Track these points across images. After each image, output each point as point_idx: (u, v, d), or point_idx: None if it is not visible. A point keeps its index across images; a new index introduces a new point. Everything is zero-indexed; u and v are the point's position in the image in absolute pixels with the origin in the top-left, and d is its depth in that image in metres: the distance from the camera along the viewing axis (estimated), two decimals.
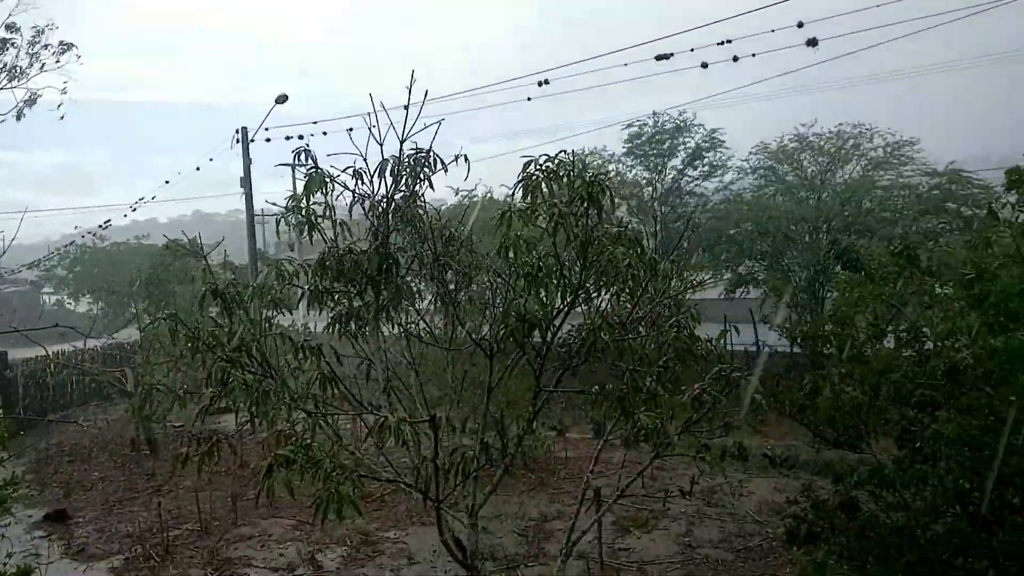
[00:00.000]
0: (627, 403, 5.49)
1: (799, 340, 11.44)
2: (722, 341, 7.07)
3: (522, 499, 14.16)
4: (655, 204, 26.64)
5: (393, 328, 7.19)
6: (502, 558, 11.46)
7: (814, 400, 9.59)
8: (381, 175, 6.26)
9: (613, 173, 27.18)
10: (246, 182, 29.16)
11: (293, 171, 38.16)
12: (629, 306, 6.09)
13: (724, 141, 26.46)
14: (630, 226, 5.68)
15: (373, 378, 6.88)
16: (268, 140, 27.82)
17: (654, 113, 26.58)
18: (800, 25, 10.96)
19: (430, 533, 12.35)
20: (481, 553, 6.93)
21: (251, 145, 29.25)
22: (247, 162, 28.91)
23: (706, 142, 26.26)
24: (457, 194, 25.78)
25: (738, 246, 24.14)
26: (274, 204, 7.47)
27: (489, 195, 26.77)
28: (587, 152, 26.92)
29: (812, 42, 11.24)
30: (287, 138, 28.14)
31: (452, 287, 6.56)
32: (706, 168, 26.74)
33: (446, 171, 5.86)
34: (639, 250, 5.37)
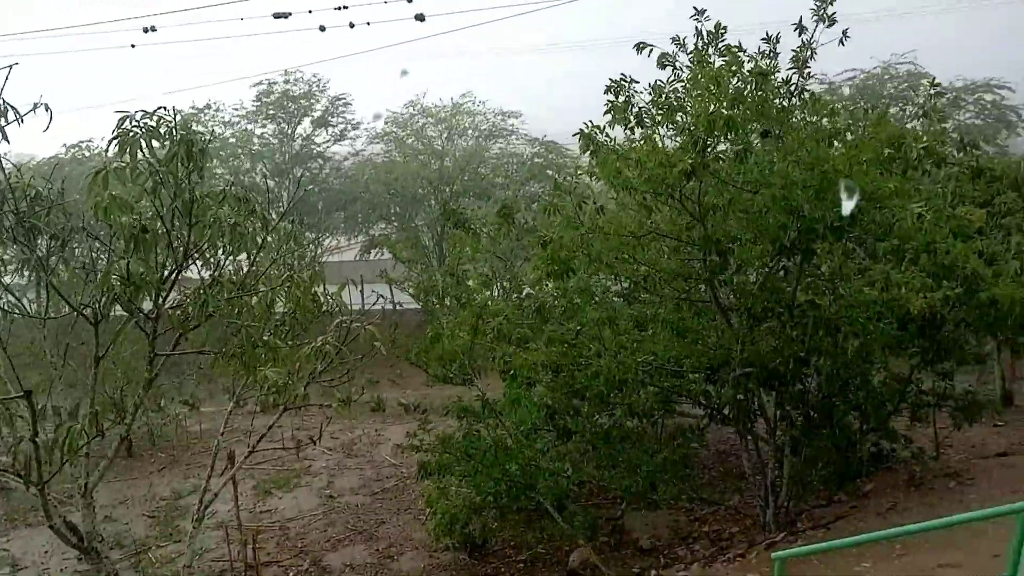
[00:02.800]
0: (247, 359, 5.62)
1: (420, 295, 12.55)
2: (341, 296, 7.53)
3: (151, 480, 13.31)
4: (287, 165, 26.20)
5: None
6: (130, 544, 10.75)
7: (434, 346, 10.67)
8: None
9: (236, 132, 26.06)
10: None
11: None
12: (246, 266, 6.17)
13: (352, 105, 26.92)
14: (234, 186, 5.72)
15: None
16: None
17: (285, 71, 25.93)
18: (410, 0, 11.73)
19: (38, 533, 11.04)
20: (100, 536, 6.51)
21: None
22: None
23: (334, 106, 26.45)
24: (69, 150, 22.62)
25: (371, 208, 25.09)
26: None
27: (101, 151, 23.82)
28: (210, 108, 25.39)
29: (420, 17, 12.09)
30: None
31: (44, 252, 5.94)
32: (336, 131, 26.97)
33: (20, 122, 5.22)
34: (250, 209, 5.49)
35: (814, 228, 6.89)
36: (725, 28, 7.51)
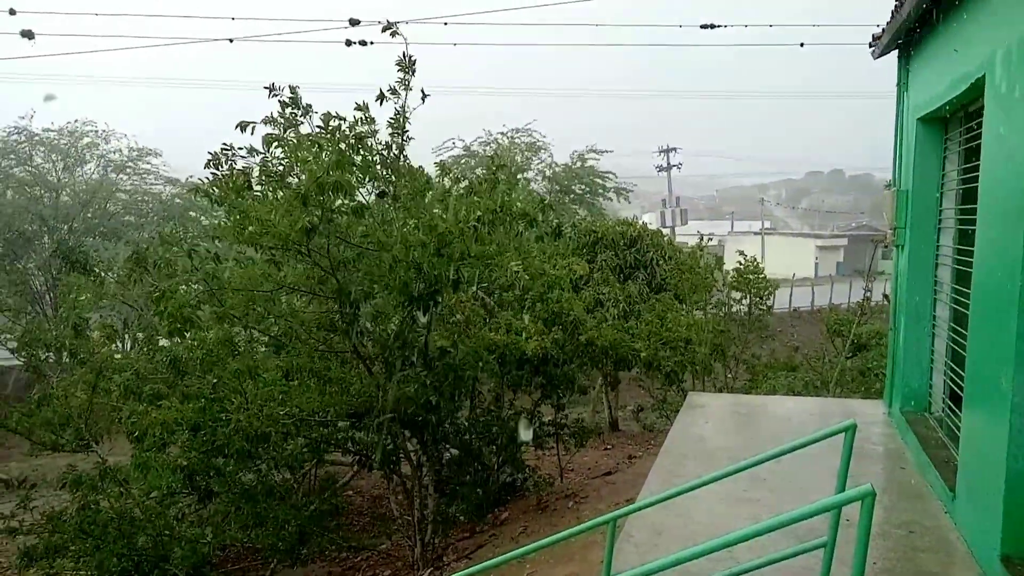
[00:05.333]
0: None
1: (23, 349, 10.70)
2: None
3: None
4: None
5: None
6: None
7: (41, 410, 9.22)
8: None
9: None
10: None
11: None
12: None
13: None
14: None
15: None
16: None
17: None
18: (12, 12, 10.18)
19: None
20: None
21: None
22: None
23: None
24: None
25: None
26: None
27: None
28: None
29: (27, 34, 10.56)
30: None
31: None
32: None
33: None
34: None
35: (437, 283, 7.42)
36: (302, 98, 7.68)
